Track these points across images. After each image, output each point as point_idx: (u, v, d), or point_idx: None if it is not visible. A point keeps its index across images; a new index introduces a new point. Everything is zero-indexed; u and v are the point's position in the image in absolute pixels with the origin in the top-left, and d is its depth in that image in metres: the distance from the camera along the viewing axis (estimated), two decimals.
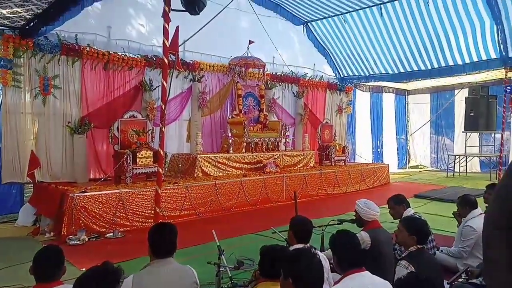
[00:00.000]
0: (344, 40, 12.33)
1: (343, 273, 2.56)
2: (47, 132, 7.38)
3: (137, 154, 7.33)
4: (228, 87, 10.13)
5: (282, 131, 10.20)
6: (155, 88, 8.50)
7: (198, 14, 4.65)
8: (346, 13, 11.21)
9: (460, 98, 14.33)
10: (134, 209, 6.60)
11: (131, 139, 7.62)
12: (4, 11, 6.07)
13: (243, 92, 10.04)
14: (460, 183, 11.60)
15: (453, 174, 13.52)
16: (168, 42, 4.63)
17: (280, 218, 5.67)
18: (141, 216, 6.64)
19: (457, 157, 13.77)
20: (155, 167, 7.14)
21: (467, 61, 10.92)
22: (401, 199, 4.35)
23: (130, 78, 8.43)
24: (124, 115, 7.74)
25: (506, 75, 10.39)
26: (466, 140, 13.55)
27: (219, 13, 6.59)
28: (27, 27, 6.87)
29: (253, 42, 9.59)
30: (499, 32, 9.73)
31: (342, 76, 13.67)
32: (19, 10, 6.09)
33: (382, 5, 10.50)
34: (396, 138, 16.06)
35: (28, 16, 6.46)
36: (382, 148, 15.51)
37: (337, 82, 13.47)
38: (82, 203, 6.08)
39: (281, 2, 11.39)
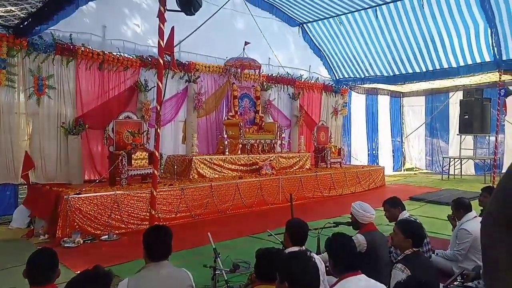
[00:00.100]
0: (339, 42, 12.37)
1: (339, 276, 2.56)
2: (42, 132, 7.31)
3: (132, 155, 7.29)
4: (223, 88, 10.09)
5: (278, 132, 10.19)
6: (150, 89, 8.46)
7: (194, 14, 4.62)
8: (342, 15, 11.24)
9: (455, 101, 14.42)
10: (129, 211, 6.56)
11: (126, 140, 7.57)
12: None
13: (239, 93, 10.01)
14: (455, 186, 11.65)
15: (448, 177, 13.59)
16: (163, 42, 4.60)
17: (276, 221, 5.67)
18: (136, 219, 6.59)
19: (451, 159, 13.84)
20: (150, 168, 7.08)
21: (462, 64, 10.99)
22: (396, 202, 4.34)
23: (125, 79, 8.39)
24: (119, 116, 7.68)
25: (500, 78, 10.45)
26: (460, 143, 13.61)
27: (214, 13, 6.55)
28: (21, 26, 6.82)
29: (248, 43, 9.58)
30: (493, 35, 9.80)
31: (337, 78, 13.70)
32: (13, 9, 6.04)
33: (377, 7, 10.55)
34: (391, 140, 16.12)
35: (22, 15, 6.42)
36: (377, 151, 15.56)
37: (332, 84, 13.49)
38: (77, 205, 6.03)
39: (276, 3, 11.40)
